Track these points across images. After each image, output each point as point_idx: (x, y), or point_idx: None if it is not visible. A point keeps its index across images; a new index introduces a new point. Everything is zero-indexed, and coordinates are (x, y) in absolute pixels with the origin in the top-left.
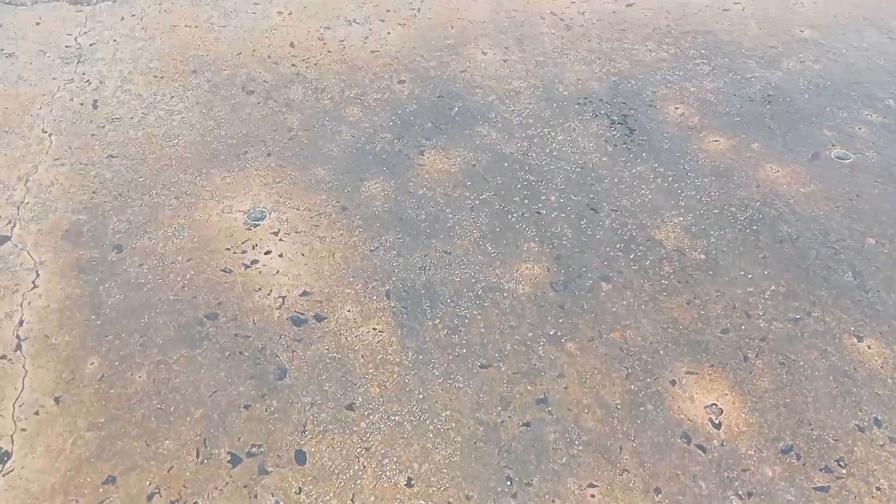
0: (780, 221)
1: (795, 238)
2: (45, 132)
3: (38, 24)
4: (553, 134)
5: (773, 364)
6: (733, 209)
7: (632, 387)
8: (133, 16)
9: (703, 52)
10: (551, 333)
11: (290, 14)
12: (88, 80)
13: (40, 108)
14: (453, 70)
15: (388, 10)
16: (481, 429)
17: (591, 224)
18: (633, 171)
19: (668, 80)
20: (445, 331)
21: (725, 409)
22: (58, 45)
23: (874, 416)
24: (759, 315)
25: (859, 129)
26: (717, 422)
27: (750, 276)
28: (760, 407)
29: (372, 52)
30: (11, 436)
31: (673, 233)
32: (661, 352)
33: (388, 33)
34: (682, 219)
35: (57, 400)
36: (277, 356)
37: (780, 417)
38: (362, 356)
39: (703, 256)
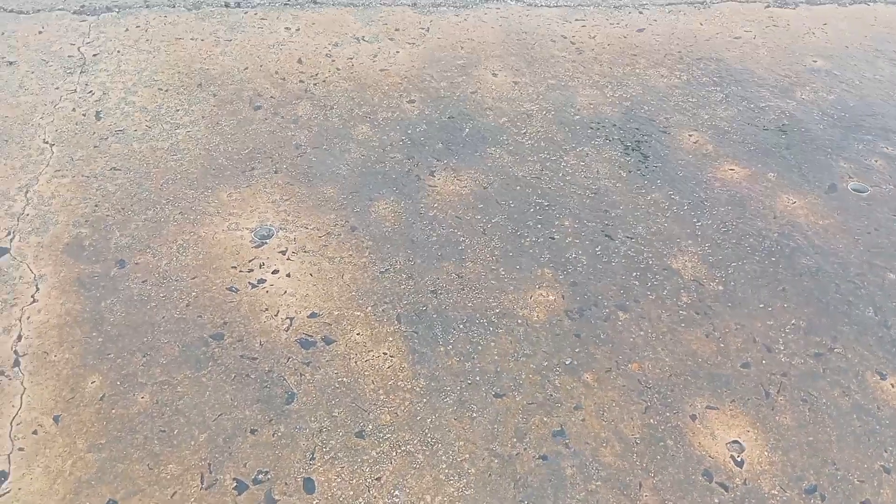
0: (798, 254)
1: (815, 271)
2: (47, 143)
3: (40, 32)
4: (566, 158)
5: (796, 400)
6: (751, 240)
7: (651, 421)
8: (138, 27)
9: (715, 79)
10: (567, 363)
11: (297, 30)
12: (91, 91)
13: (41, 117)
14: (464, 91)
15: (397, 29)
16: (496, 461)
17: (607, 251)
18: (648, 197)
19: (682, 106)
20: (458, 357)
21: (748, 445)
22: (60, 55)
23: None
24: (779, 350)
25: (875, 161)
26: (739, 459)
27: (770, 310)
28: (783, 445)
29: (381, 70)
30: (9, 455)
31: (690, 262)
32: (681, 385)
33: (398, 52)
34: (699, 248)
35: (56, 419)
36: (285, 379)
37: (803, 456)
38: (372, 382)
39: (721, 288)
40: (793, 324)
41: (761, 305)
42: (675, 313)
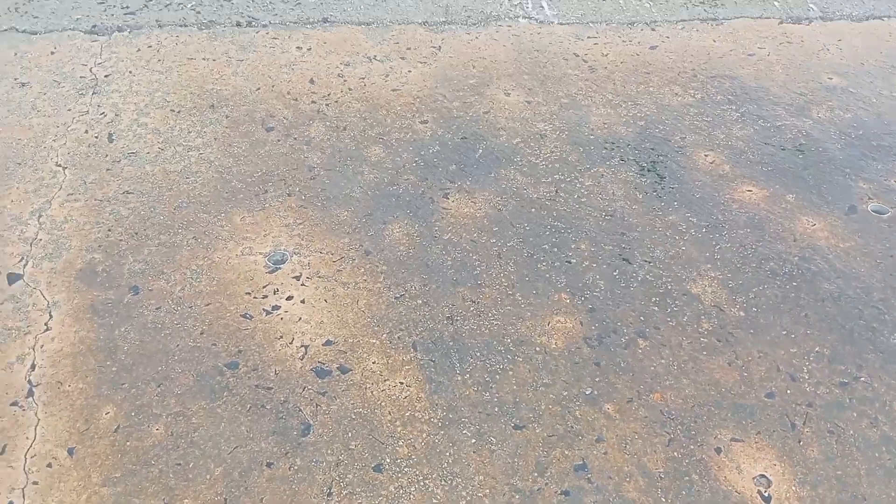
0: (820, 278)
1: (837, 296)
2: (59, 165)
3: (52, 53)
4: (580, 179)
5: (822, 432)
6: (771, 264)
7: (675, 454)
8: (150, 47)
9: (730, 97)
10: (587, 393)
11: (309, 49)
12: (104, 113)
13: (54, 139)
14: (476, 111)
15: (409, 48)
16: (517, 497)
17: (625, 275)
18: (666, 220)
19: (697, 125)
20: (476, 387)
21: (775, 480)
22: (72, 76)
23: None
24: (804, 378)
25: (895, 182)
26: (766, 494)
27: (793, 336)
28: (811, 479)
29: (393, 90)
30: (23, 489)
31: (710, 287)
32: (704, 416)
33: (409, 71)
34: (718, 273)
35: (70, 452)
36: (301, 410)
37: (832, 491)
38: (389, 412)
39: (742, 314)
40: (816, 351)
41: (784, 332)
42: (697, 341)
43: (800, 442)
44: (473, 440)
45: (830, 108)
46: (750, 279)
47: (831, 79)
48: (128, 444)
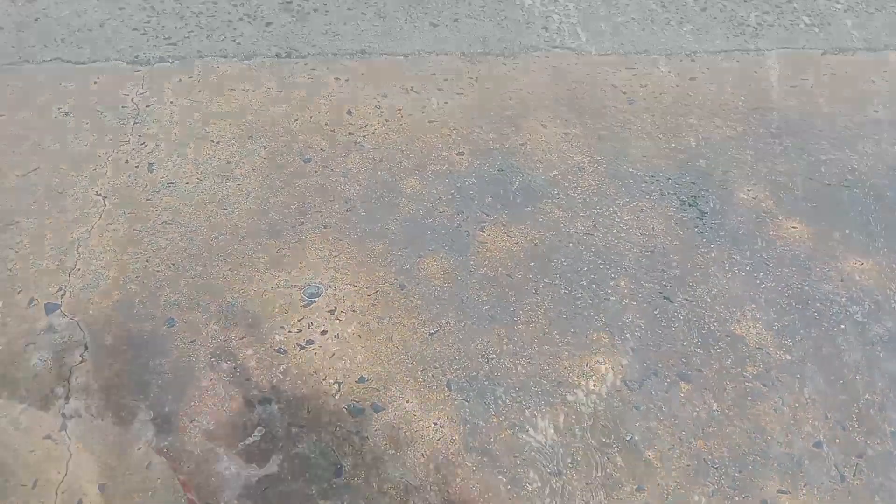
0: (869, 321)
1: (887, 340)
2: (100, 195)
3: (95, 83)
4: (619, 213)
5: (874, 486)
6: (818, 304)
7: None
8: (190, 77)
9: (772, 130)
10: (628, 439)
11: (346, 80)
12: (144, 143)
13: (95, 169)
14: (513, 143)
15: (446, 80)
16: None
17: (666, 315)
18: (708, 257)
19: (739, 159)
20: (511, 430)
21: None
22: (114, 106)
23: None
24: (853, 427)
25: None
26: None
27: (841, 382)
28: None
29: (430, 121)
30: None
31: (754, 328)
32: (750, 466)
33: (446, 103)
34: (763, 313)
35: (101, 488)
36: (333, 450)
37: None
38: (423, 455)
39: (788, 357)
40: (866, 399)
41: (832, 377)
42: (741, 385)
43: (850, 495)
44: (509, 486)
45: (877, 142)
46: (796, 321)
47: (878, 111)
48: (159, 481)
